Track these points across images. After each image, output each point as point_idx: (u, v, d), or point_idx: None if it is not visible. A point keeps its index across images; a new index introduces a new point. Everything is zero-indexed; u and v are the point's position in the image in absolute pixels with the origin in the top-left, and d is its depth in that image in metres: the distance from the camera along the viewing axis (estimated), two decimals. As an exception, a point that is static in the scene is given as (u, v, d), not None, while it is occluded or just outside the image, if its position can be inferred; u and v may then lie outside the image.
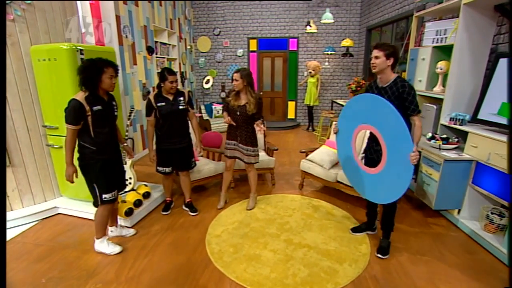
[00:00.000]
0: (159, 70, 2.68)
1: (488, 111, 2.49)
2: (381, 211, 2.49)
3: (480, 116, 2.56)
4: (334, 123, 3.77)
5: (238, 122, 2.80)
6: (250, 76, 2.74)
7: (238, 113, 2.77)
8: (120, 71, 4.03)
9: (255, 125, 2.83)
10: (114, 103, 2.26)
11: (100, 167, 2.14)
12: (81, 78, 2.01)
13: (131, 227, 2.73)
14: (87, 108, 2.00)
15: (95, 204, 2.24)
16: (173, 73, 2.65)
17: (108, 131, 2.17)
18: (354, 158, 2.40)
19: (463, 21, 2.66)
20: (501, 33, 2.74)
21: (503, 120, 2.34)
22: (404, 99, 2.04)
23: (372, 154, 2.30)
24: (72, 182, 2.13)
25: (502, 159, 2.20)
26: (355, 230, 2.64)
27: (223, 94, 7.50)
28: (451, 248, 2.42)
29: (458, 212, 2.73)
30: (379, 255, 2.31)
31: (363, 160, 2.41)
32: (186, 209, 3.06)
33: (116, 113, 2.26)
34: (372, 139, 2.29)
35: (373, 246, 2.45)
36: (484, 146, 2.38)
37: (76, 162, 2.14)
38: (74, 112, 1.98)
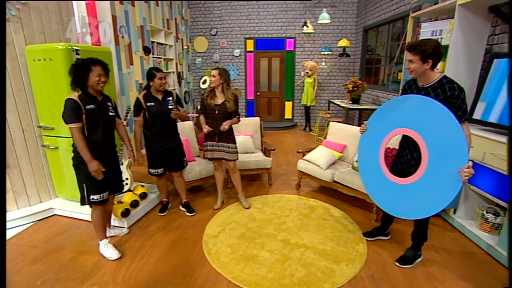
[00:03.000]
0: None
1: (483, 112, 2.51)
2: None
3: (475, 116, 2.58)
4: (331, 122, 3.79)
5: (217, 121, 2.80)
6: (227, 75, 2.77)
7: (217, 111, 2.78)
8: (116, 72, 4.07)
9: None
10: (109, 103, 2.24)
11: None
12: (72, 77, 2.04)
13: (128, 227, 2.72)
14: (82, 106, 2.02)
15: (82, 203, 2.21)
16: (160, 69, 2.68)
17: (101, 131, 2.14)
18: (380, 164, 2.16)
19: (458, 22, 2.68)
20: (495, 33, 2.76)
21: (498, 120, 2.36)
22: (451, 104, 1.75)
23: (403, 164, 2.09)
24: (101, 177, 2.11)
25: (497, 159, 2.21)
26: (367, 235, 2.57)
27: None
28: (447, 248, 2.43)
29: (454, 212, 2.75)
30: (397, 264, 2.20)
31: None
32: (183, 209, 3.06)
33: (111, 113, 2.24)
34: (406, 151, 2.07)
35: (370, 245, 2.46)
36: (479, 146, 2.39)
37: (67, 162, 2.13)
38: (73, 111, 1.99)
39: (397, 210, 2.07)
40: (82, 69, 2.03)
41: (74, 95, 2.03)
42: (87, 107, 2.05)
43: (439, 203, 1.79)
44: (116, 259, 2.28)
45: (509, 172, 2.03)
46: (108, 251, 2.31)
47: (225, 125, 2.75)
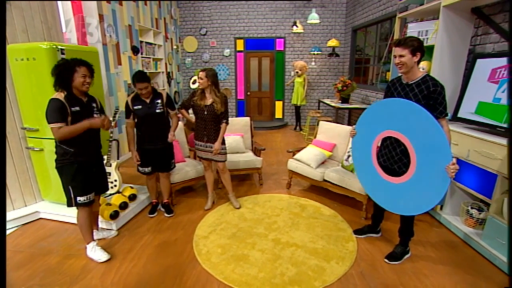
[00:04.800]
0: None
1: (467, 110, 2.58)
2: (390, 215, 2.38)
3: (460, 114, 2.65)
4: (321, 121, 3.82)
5: (206, 121, 2.81)
6: (215, 77, 2.76)
7: (206, 112, 2.78)
8: (104, 72, 4.00)
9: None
10: (94, 104, 2.20)
11: (76, 169, 2.09)
12: (55, 78, 1.99)
13: (117, 230, 2.67)
14: (68, 108, 1.98)
15: (69, 205, 2.17)
16: (141, 79, 2.54)
17: (87, 133, 2.09)
18: (373, 165, 2.22)
19: (443, 23, 2.74)
20: (478, 34, 2.84)
21: (481, 119, 2.43)
22: (434, 99, 1.86)
23: (386, 162, 2.16)
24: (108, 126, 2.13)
25: (481, 156, 2.28)
26: (357, 232, 2.61)
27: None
28: (434, 243, 2.49)
29: (441, 208, 2.82)
30: (386, 260, 2.25)
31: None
32: (162, 209, 3.04)
33: (96, 114, 2.19)
34: (389, 147, 2.13)
35: (360, 243, 2.49)
36: (463, 144, 2.45)
37: (52, 164, 2.12)
38: (58, 110, 1.94)
39: (395, 207, 2.11)
40: (66, 70, 1.98)
41: (60, 96, 1.98)
42: (73, 109, 2.01)
43: (431, 199, 1.86)
44: (106, 261, 2.24)
45: (509, 173, 2.01)
46: (96, 253, 2.26)
47: (216, 148, 2.80)
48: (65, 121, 1.98)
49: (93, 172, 2.22)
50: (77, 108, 2.04)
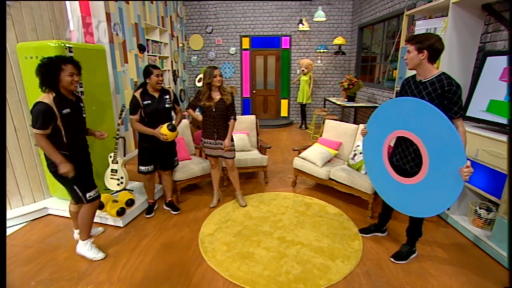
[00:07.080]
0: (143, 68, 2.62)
1: (476, 108, 2.54)
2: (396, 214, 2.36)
3: (469, 113, 2.61)
4: (326, 120, 3.80)
5: (215, 119, 2.81)
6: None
7: (214, 109, 2.78)
8: (110, 70, 4.02)
9: None
10: (82, 104, 2.15)
11: (77, 167, 2.05)
12: (40, 78, 1.88)
13: (123, 226, 2.70)
14: (56, 111, 1.90)
15: (79, 201, 2.16)
16: (157, 67, 2.61)
17: (78, 134, 2.08)
18: (384, 165, 2.19)
19: (452, 20, 2.69)
20: (488, 32, 2.79)
21: (491, 117, 2.39)
22: (448, 99, 1.81)
23: (399, 161, 2.13)
24: (73, 174, 2.01)
25: (489, 156, 2.24)
26: (363, 231, 2.60)
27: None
28: (441, 243, 2.46)
29: (448, 208, 2.78)
30: (392, 260, 2.23)
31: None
32: (167, 208, 3.04)
33: (84, 115, 2.16)
34: (402, 146, 2.10)
35: (366, 242, 2.48)
36: (472, 143, 2.42)
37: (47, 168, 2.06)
38: (42, 116, 1.85)
39: (406, 209, 2.06)
40: (51, 69, 1.87)
41: (47, 99, 1.88)
42: (64, 111, 1.93)
43: (444, 201, 1.82)
44: (102, 259, 2.25)
45: (509, 172, 1.98)
46: (91, 252, 2.25)
47: (226, 145, 2.84)
48: (48, 128, 1.89)
49: (87, 170, 2.22)
50: (68, 110, 1.96)
